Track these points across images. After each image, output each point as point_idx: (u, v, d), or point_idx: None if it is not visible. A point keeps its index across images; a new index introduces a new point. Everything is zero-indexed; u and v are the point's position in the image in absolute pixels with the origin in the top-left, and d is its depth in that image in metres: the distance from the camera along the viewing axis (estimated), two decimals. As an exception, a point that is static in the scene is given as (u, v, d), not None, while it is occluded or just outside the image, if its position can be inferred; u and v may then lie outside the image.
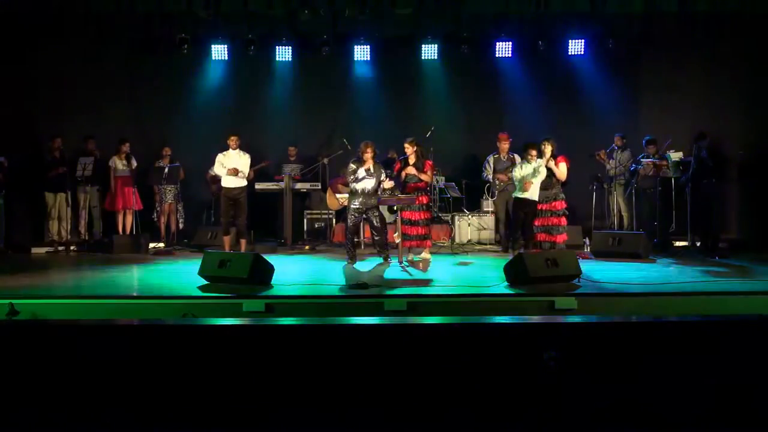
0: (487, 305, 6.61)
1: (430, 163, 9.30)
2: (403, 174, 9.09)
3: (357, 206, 8.72)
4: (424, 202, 9.13)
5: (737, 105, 11.70)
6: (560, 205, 8.82)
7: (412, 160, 9.07)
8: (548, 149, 8.70)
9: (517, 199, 8.97)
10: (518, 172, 8.89)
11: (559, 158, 8.80)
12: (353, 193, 8.76)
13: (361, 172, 8.67)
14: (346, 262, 8.82)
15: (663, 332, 4.63)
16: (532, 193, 8.84)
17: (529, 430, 3.50)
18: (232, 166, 9.28)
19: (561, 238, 8.70)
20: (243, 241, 9.49)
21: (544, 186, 8.79)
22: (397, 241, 8.73)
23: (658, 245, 9.97)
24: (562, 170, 8.76)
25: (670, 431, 4.17)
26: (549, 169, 8.72)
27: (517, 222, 9.03)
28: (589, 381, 3.85)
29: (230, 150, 9.42)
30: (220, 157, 9.44)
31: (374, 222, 8.74)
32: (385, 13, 10.82)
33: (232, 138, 9.47)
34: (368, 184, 8.70)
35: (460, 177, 11.79)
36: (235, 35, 11.91)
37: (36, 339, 4.47)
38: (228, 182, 9.33)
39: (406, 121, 12.51)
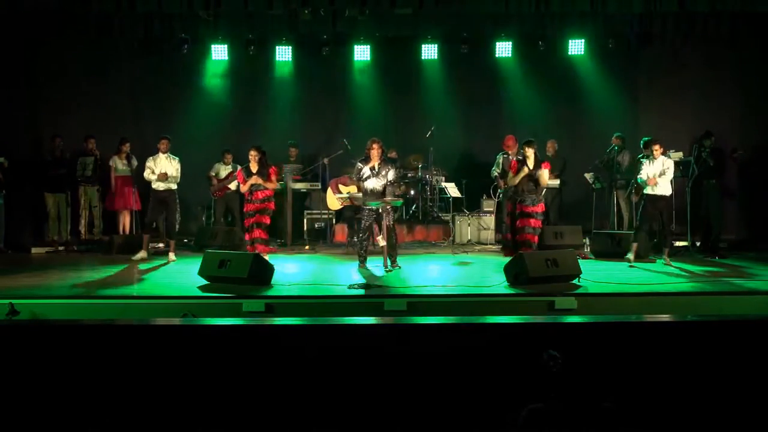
0: (487, 305, 6.61)
1: (274, 169, 9.06)
2: (248, 183, 8.81)
3: (369, 207, 8.43)
4: (271, 208, 8.93)
5: (737, 105, 11.70)
6: (542, 207, 8.79)
7: (254, 168, 8.83)
8: (531, 153, 8.65)
9: (650, 196, 8.76)
10: (646, 169, 8.76)
11: (543, 163, 8.77)
12: (364, 194, 8.52)
13: (366, 171, 8.42)
14: (357, 265, 8.59)
15: (663, 332, 4.64)
16: (665, 188, 8.71)
17: (528, 429, 3.50)
18: (161, 171, 9.22)
19: (536, 239, 8.71)
20: (171, 242, 9.45)
21: (532, 189, 8.71)
22: (381, 244, 8.49)
23: (657, 245, 9.96)
24: (545, 176, 8.72)
25: (669, 431, 4.17)
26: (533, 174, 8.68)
27: (646, 219, 8.82)
28: (589, 381, 3.85)
29: (160, 154, 9.34)
30: (149, 163, 9.35)
31: (388, 225, 8.39)
32: (385, 13, 10.80)
33: (163, 141, 9.39)
34: (376, 183, 8.39)
35: (460, 177, 11.77)
36: (235, 35, 11.91)
37: (36, 339, 4.47)
38: (157, 185, 9.30)
39: (406, 121, 12.53)
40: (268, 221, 8.95)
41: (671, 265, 8.56)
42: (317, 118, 12.64)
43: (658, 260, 8.81)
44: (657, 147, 8.76)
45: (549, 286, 7.05)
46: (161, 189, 9.31)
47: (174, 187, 9.42)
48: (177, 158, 9.49)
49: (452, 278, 7.99)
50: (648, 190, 8.77)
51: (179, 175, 9.44)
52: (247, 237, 9.01)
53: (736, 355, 4.34)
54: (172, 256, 9.29)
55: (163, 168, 9.25)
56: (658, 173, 8.67)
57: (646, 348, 4.38)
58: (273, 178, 8.92)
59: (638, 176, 8.93)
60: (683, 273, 8.16)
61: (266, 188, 8.87)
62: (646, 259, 9.03)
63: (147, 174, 9.34)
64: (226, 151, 11.46)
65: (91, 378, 4.25)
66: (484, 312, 6.41)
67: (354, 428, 4.19)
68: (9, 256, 10.02)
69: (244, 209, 9.09)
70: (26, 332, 4.67)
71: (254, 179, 8.79)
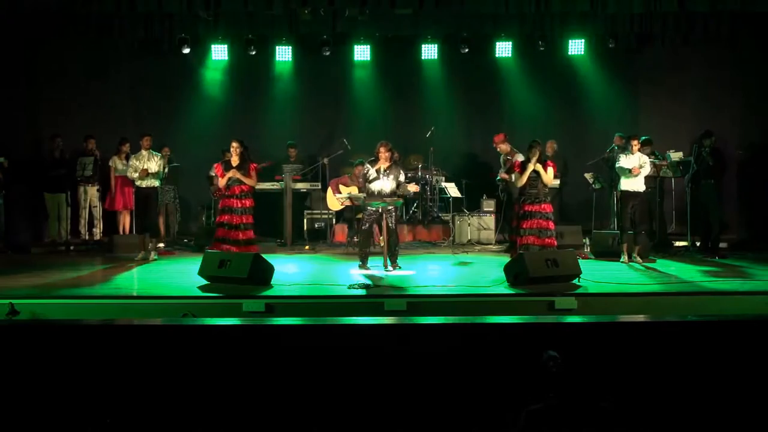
0: (487, 305, 6.62)
1: (255, 166, 8.83)
2: (226, 176, 8.54)
3: (373, 208, 8.36)
4: (248, 205, 8.56)
5: (737, 105, 11.70)
6: (549, 207, 8.58)
7: (234, 161, 8.59)
8: (536, 153, 8.43)
9: (625, 192, 8.82)
10: (623, 163, 8.78)
11: (547, 162, 8.63)
12: (370, 195, 8.43)
13: (372, 173, 8.37)
14: (358, 265, 8.50)
15: (663, 332, 4.64)
16: (639, 184, 8.76)
17: (528, 428, 3.50)
18: (143, 168, 9.35)
19: (551, 242, 8.27)
20: (153, 239, 9.60)
21: (534, 186, 8.40)
22: (382, 244, 8.39)
23: (657, 245, 9.96)
24: (549, 175, 8.51)
25: (670, 431, 4.17)
26: (536, 172, 8.45)
27: (625, 216, 8.87)
28: (589, 381, 3.85)
29: (142, 151, 9.49)
30: (132, 161, 9.50)
31: (389, 225, 8.29)
32: (385, 13, 10.78)
33: (146, 138, 9.55)
34: (385, 185, 8.34)
35: (460, 177, 11.76)
36: (235, 35, 11.91)
37: (36, 339, 4.48)
38: (140, 182, 9.45)
39: (406, 121, 12.53)
40: (244, 220, 8.50)
41: (643, 265, 8.60)
42: (317, 118, 12.64)
43: (657, 260, 8.80)
44: (635, 142, 8.87)
45: (549, 286, 7.05)
46: (143, 186, 9.47)
47: (157, 183, 9.58)
48: (158, 154, 9.72)
49: (452, 278, 7.99)
50: (625, 185, 8.83)
51: (161, 170, 9.60)
52: (218, 234, 8.51)
53: (736, 355, 4.34)
54: (152, 255, 9.32)
55: (144, 165, 9.38)
56: (637, 167, 8.76)
57: (645, 348, 4.38)
58: (252, 174, 8.66)
59: (617, 165, 8.93)
60: (683, 273, 8.16)
61: (243, 183, 8.57)
62: (646, 259, 9.02)
63: (130, 172, 9.54)
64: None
65: (91, 378, 4.25)
66: (484, 312, 6.41)
67: (354, 428, 4.20)
68: (9, 256, 10.01)
69: (219, 205, 8.79)
70: (26, 332, 4.67)
71: (232, 173, 8.52)
